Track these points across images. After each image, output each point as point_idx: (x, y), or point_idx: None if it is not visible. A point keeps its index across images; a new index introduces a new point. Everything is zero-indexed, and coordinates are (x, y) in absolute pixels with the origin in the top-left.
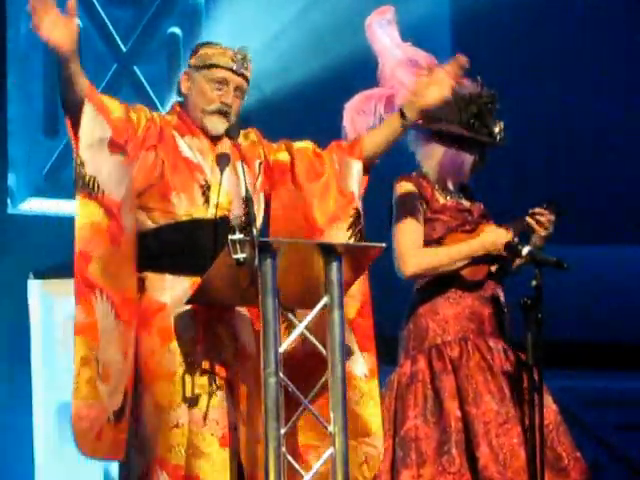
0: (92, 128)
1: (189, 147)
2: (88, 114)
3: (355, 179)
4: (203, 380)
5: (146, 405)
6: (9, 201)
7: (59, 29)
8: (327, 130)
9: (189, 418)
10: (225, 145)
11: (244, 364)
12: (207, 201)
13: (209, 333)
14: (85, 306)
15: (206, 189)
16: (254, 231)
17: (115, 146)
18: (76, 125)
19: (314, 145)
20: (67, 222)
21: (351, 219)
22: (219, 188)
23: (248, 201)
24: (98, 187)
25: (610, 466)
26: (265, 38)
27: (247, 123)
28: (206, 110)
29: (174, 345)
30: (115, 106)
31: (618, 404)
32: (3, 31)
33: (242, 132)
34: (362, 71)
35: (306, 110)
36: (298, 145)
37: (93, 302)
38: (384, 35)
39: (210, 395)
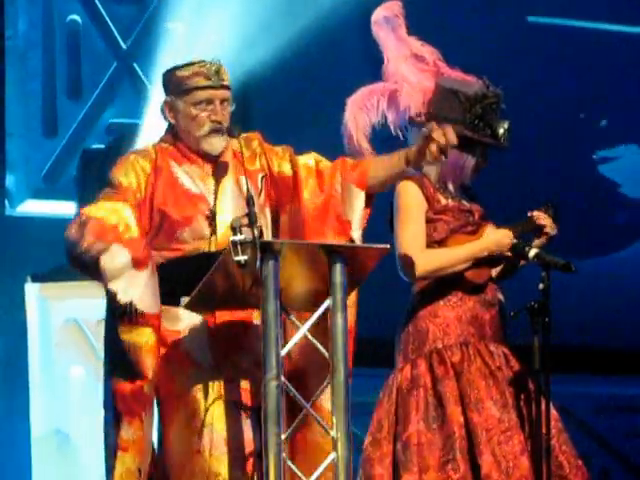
0: (112, 261)
1: (188, 176)
2: (107, 255)
3: (355, 209)
4: (222, 405)
5: (169, 433)
6: (7, 202)
7: None
8: None
9: (210, 444)
10: (226, 161)
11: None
12: (214, 232)
13: (228, 361)
14: (135, 422)
15: (212, 219)
16: (256, 232)
17: (139, 262)
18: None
19: (317, 160)
20: (66, 224)
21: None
22: (223, 217)
23: (249, 200)
24: (136, 310)
25: (619, 474)
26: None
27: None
28: (200, 135)
29: (192, 372)
30: (119, 217)
31: (628, 410)
32: (1, 30)
33: (243, 137)
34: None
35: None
36: (302, 161)
37: (143, 417)
38: (390, 30)
39: (231, 420)
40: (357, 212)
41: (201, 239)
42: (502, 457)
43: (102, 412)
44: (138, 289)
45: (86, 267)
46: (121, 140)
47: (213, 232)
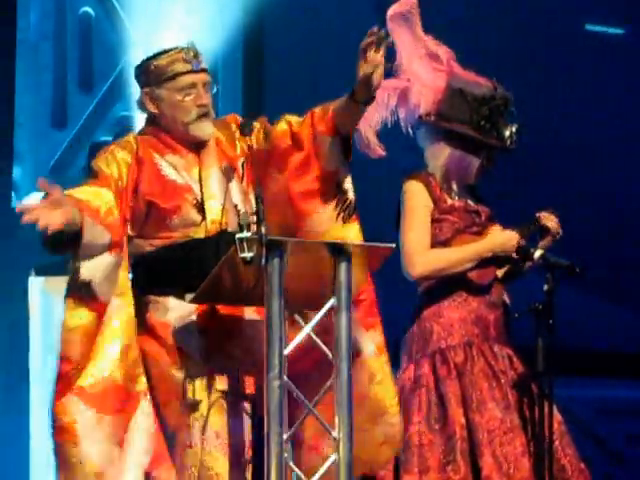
0: (93, 239)
1: (172, 167)
2: (89, 230)
3: (334, 156)
4: (215, 398)
5: (161, 427)
6: (14, 194)
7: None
8: None
9: (201, 438)
10: (209, 150)
11: (257, 371)
12: (204, 218)
13: (219, 350)
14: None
15: (200, 207)
16: (262, 229)
17: (117, 246)
18: (77, 247)
19: (289, 121)
20: None
21: (334, 200)
22: (210, 203)
23: (257, 199)
24: (91, 291)
25: (621, 477)
26: None
27: None
28: (187, 121)
29: (182, 365)
30: (101, 201)
31: (630, 413)
32: (13, 21)
33: (220, 122)
34: None
35: None
36: (277, 129)
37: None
38: (406, 26)
39: (223, 414)
40: (337, 159)
41: (191, 226)
42: (503, 459)
43: None
44: (102, 272)
45: (61, 242)
46: (130, 133)
47: (203, 219)
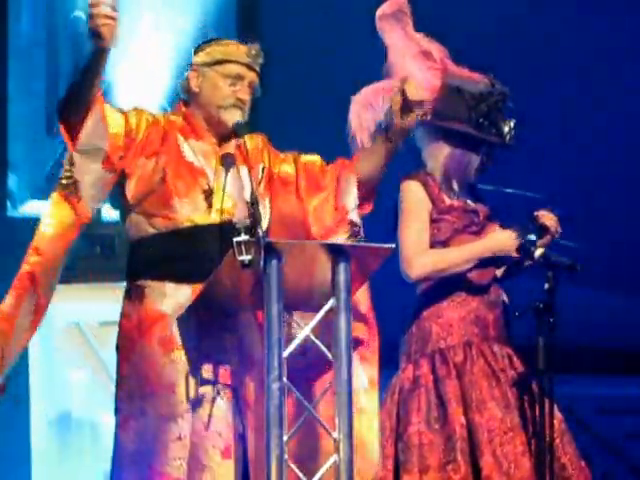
0: (92, 134)
1: (193, 151)
2: (94, 119)
3: (350, 192)
4: (206, 390)
5: (145, 416)
6: (9, 203)
7: (108, 21)
8: None
9: (191, 430)
10: (231, 146)
11: (250, 371)
12: (210, 206)
13: (212, 341)
14: (16, 300)
15: (209, 194)
16: (260, 232)
17: (107, 162)
18: (71, 129)
19: (322, 160)
20: None
21: (347, 233)
22: (222, 193)
23: (253, 203)
24: (77, 192)
25: (622, 475)
26: None
27: None
28: (222, 105)
29: (176, 355)
30: (114, 120)
31: (630, 412)
32: (5, 28)
33: (248, 135)
34: None
35: None
36: (306, 159)
37: (24, 298)
38: (396, 26)
39: (212, 406)
40: (351, 196)
41: (195, 212)
42: (503, 458)
43: (104, 417)
44: (89, 178)
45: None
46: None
47: (209, 207)
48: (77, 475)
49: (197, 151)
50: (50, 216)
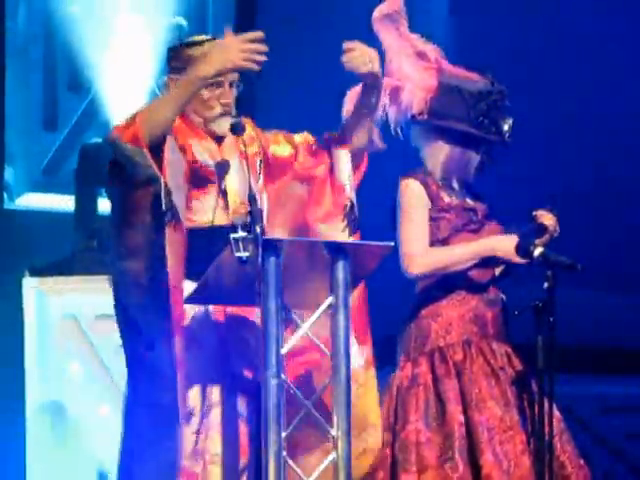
0: (175, 160)
1: (200, 151)
2: (171, 146)
3: (345, 171)
4: (224, 385)
5: (160, 409)
6: (6, 196)
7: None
8: None
9: (208, 425)
10: (230, 144)
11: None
12: (227, 206)
13: (233, 336)
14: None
15: (223, 194)
16: (257, 229)
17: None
18: (157, 154)
19: (312, 138)
20: (65, 218)
21: (343, 213)
22: (235, 192)
23: (251, 199)
24: (176, 216)
25: (622, 474)
26: None
27: None
28: (209, 117)
29: (195, 349)
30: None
31: (631, 411)
32: (2, 23)
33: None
34: None
35: None
36: (299, 139)
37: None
38: (392, 27)
39: (231, 401)
40: (347, 174)
41: (213, 212)
42: (503, 457)
43: (99, 409)
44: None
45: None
46: None
47: (226, 207)
48: (72, 466)
49: (204, 151)
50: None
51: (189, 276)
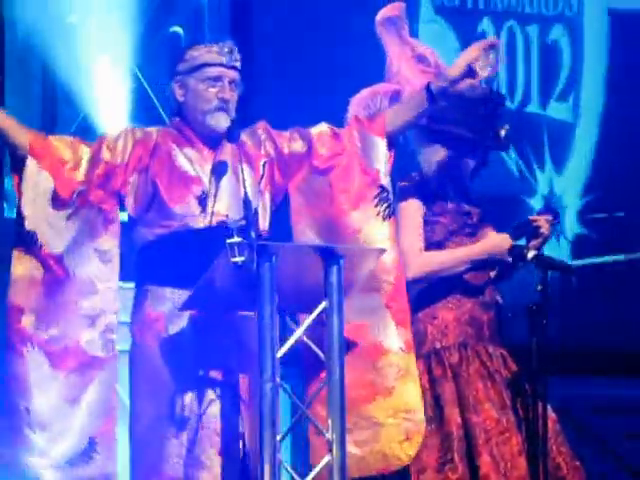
0: (35, 182)
1: (187, 159)
2: (30, 169)
3: (380, 157)
4: (203, 390)
5: (143, 416)
6: (5, 205)
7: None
8: None
9: (188, 429)
10: (226, 148)
11: (251, 368)
12: (204, 210)
13: (210, 340)
14: (16, 357)
15: (202, 199)
16: (252, 234)
17: (58, 200)
18: (21, 181)
19: (330, 127)
20: None
21: (377, 198)
22: (215, 197)
23: (246, 204)
24: (36, 241)
25: (618, 476)
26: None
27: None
28: (206, 110)
29: (173, 354)
30: (75, 154)
31: (627, 412)
32: (1, 34)
33: (248, 130)
34: None
35: None
36: (315, 131)
37: (25, 354)
38: (394, 31)
39: (210, 405)
40: (382, 160)
41: (189, 216)
42: (500, 458)
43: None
44: (45, 223)
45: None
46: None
47: (203, 211)
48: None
49: (192, 159)
50: (17, 272)
51: (169, 281)
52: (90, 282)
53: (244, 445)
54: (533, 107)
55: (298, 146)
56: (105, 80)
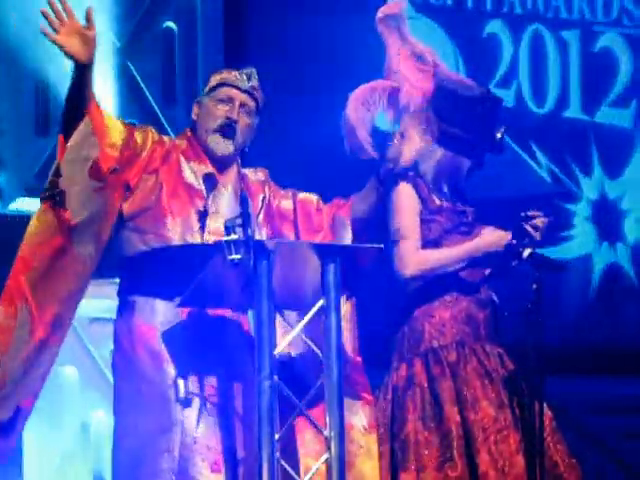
0: (81, 145)
1: (194, 173)
2: (83, 130)
3: (344, 236)
4: (195, 404)
5: (136, 430)
6: None
7: (76, 38)
8: None
9: (179, 443)
10: (232, 172)
11: (239, 384)
12: (203, 227)
13: (201, 354)
14: (8, 309)
15: (203, 215)
16: (249, 232)
17: (97, 172)
18: (67, 138)
19: (318, 199)
20: None
21: None
22: (214, 215)
23: (243, 201)
24: (63, 202)
25: (615, 474)
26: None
27: None
28: (210, 129)
29: (165, 369)
30: (116, 131)
31: (625, 411)
32: None
33: (251, 169)
34: None
35: None
36: (302, 196)
37: (18, 308)
38: (394, 28)
39: (201, 419)
40: (346, 239)
41: (188, 232)
42: (498, 456)
43: (94, 413)
44: (77, 188)
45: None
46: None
47: (201, 228)
48: (67, 472)
49: (198, 173)
50: (35, 225)
51: (161, 295)
52: (83, 263)
53: (236, 460)
54: (573, 112)
55: (286, 204)
56: (96, 77)
